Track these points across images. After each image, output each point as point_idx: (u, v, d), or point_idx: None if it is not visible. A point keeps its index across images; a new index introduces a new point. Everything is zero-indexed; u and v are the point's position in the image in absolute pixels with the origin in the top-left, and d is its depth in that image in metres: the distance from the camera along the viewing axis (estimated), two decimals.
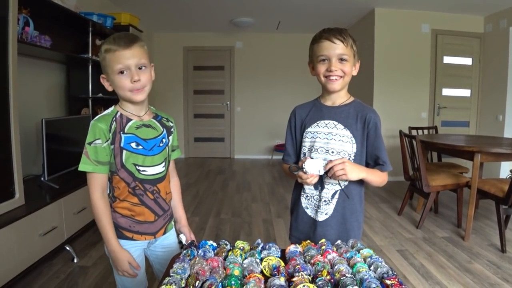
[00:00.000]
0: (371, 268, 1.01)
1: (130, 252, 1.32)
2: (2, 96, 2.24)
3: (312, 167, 1.26)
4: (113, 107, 1.32)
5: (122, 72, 1.21)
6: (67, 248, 2.71)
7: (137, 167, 1.29)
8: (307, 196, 1.44)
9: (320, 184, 1.39)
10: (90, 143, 1.23)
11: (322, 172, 1.27)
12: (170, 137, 1.42)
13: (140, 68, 1.23)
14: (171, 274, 0.95)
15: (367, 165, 1.39)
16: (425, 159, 3.96)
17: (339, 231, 1.39)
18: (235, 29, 6.79)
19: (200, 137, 7.59)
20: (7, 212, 2.24)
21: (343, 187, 1.38)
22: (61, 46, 3.42)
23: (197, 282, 0.91)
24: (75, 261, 2.66)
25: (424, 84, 5.52)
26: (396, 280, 0.90)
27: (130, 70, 1.21)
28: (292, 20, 6.10)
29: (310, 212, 1.44)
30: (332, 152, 1.36)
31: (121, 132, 1.26)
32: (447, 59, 5.54)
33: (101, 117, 1.27)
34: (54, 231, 2.55)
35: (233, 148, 7.58)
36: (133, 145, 1.28)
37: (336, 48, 1.30)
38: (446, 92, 5.60)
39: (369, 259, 1.05)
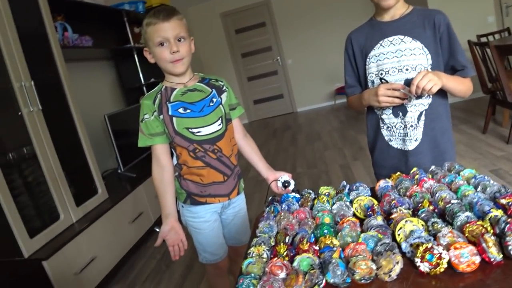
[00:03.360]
0: (478, 189, 0.89)
1: (206, 217, 1.38)
2: (62, 104, 2.35)
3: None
4: (160, 84, 1.35)
5: (162, 44, 1.23)
6: (157, 229, 2.84)
7: (190, 130, 1.29)
8: (388, 127, 1.31)
9: (400, 109, 1.25)
10: (141, 120, 1.29)
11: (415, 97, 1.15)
12: (223, 96, 1.39)
13: (179, 40, 1.24)
14: (258, 234, 0.90)
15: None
16: (504, 66, 3.54)
17: (433, 156, 1.26)
18: None
19: (259, 98, 7.51)
20: (94, 208, 2.38)
21: (427, 106, 1.23)
22: (103, 42, 3.48)
23: (287, 237, 0.86)
24: None
25: None
26: None
27: (169, 42, 1.22)
28: None
29: (395, 143, 1.32)
30: (407, 69, 1.22)
31: (167, 102, 1.29)
32: None
33: (147, 95, 1.34)
34: (142, 216, 2.67)
35: (293, 102, 7.42)
36: (181, 110, 1.29)
37: None
38: None
39: (473, 179, 0.93)
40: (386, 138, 1.33)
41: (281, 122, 6.70)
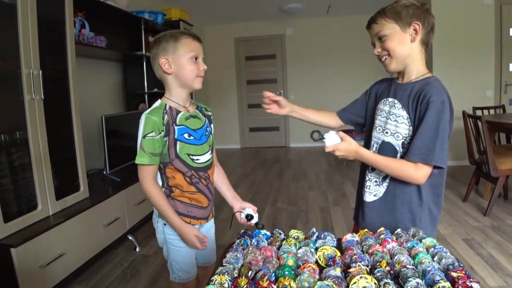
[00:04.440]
0: (435, 259, 0.94)
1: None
2: (64, 96, 2.40)
3: (331, 140, 1.19)
4: (159, 100, 1.37)
5: (195, 58, 1.32)
6: (130, 237, 2.84)
7: (190, 156, 1.36)
8: (369, 171, 1.36)
9: None
10: (144, 136, 1.27)
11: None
12: (212, 126, 1.49)
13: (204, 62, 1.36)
14: (224, 264, 0.94)
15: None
16: (492, 141, 3.67)
17: (387, 219, 1.28)
18: (285, 16, 6.70)
19: (255, 127, 7.61)
20: (73, 204, 2.40)
21: (387, 179, 1.28)
22: (116, 45, 3.57)
23: (250, 272, 0.90)
24: (137, 250, 2.78)
25: (489, 60, 5.09)
26: (463, 272, 0.83)
27: (199, 59, 1.33)
28: (342, 2, 5.89)
29: (364, 190, 1.37)
30: (386, 132, 1.28)
31: (174, 124, 1.32)
32: None
33: (152, 111, 1.32)
34: (117, 221, 2.68)
35: (288, 137, 7.53)
36: (186, 136, 1.34)
37: (372, 31, 1.26)
38: None
39: (432, 249, 0.98)
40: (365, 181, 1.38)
41: (272, 154, 6.79)
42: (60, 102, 2.40)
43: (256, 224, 1.37)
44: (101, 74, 3.64)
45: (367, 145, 1.38)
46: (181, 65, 1.31)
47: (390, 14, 1.20)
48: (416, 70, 1.25)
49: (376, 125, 1.33)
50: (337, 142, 1.18)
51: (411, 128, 1.22)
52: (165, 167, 1.35)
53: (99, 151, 3.39)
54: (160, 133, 1.29)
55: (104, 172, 2.96)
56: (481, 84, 5.14)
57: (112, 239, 2.63)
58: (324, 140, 1.19)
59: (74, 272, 2.24)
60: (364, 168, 1.39)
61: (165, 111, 1.32)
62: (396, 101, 1.26)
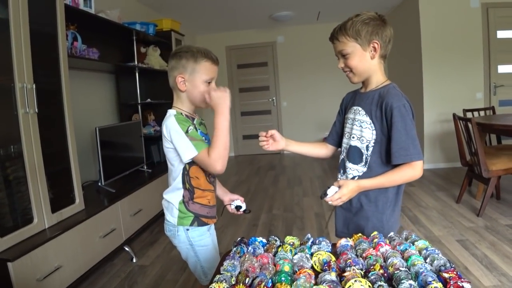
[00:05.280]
0: (427, 260, 0.97)
1: (208, 235, 1.52)
2: (57, 109, 2.40)
3: (332, 192, 1.28)
4: (174, 109, 1.43)
5: (209, 82, 1.40)
6: (126, 248, 2.84)
7: None
8: (341, 175, 1.48)
9: (342, 166, 1.44)
10: (187, 132, 1.33)
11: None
12: None
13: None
14: (222, 272, 0.96)
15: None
16: (483, 142, 3.72)
17: (357, 217, 1.39)
18: (276, 24, 6.77)
19: (249, 134, 7.63)
20: (69, 217, 2.39)
21: (361, 174, 1.37)
22: (108, 57, 3.58)
23: (247, 279, 0.92)
24: (134, 260, 2.78)
25: (477, 63, 5.17)
26: (455, 273, 0.85)
27: (213, 82, 1.42)
28: (332, 8, 5.96)
29: None
30: (353, 137, 1.38)
31: (195, 128, 1.40)
32: (502, 34, 5.15)
33: (177, 115, 1.38)
34: (113, 232, 2.68)
35: None
36: (204, 138, 1.42)
37: (336, 47, 1.35)
38: (503, 69, 5.21)
39: (424, 251, 1.01)
40: None
41: (267, 161, 6.81)
42: (54, 115, 2.41)
43: (244, 211, 1.58)
44: (94, 86, 3.65)
45: (341, 152, 1.50)
46: (195, 86, 1.39)
47: (351, 32, 1.28)
48: (376, 80, 1.36)
49: (345, 132, 1.45)
50: (337, 191, 1.27)
51: (374, 132, 1.32)
52: (190, 167, 1.41)
53: (93, 162, 3.40)
54: (192, 126, 1.37)
55: (99, 184, 2.96)
56: (470, 86, 5.22)
57: (108, 250, 2.62)
58: (327, 194, 1.28)
59: (72, 285, 2.23)
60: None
61: (184, 116, 1.41)
62: (360, 109, 1.37)
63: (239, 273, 0.97)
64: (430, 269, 0.91)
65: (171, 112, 1.41)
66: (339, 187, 1.27)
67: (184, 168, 1.41)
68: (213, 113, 1.36)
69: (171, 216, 1.46)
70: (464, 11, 5.11)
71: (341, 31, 1.30)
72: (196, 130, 1.39)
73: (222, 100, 1.34)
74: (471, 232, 2.93)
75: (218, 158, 1.30)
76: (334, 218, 1.53)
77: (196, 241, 1.48)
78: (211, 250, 1.52)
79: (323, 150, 1.64)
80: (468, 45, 5.14)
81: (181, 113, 1.41)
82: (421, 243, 1.05)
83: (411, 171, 1.26)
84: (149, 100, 4.01)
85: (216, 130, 1.32)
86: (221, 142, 1.31)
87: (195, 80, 1.38)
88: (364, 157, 1.35)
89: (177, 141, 1.33)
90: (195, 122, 1.45)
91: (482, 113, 4.38)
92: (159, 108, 4.26)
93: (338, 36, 1.31)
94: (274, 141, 1.53)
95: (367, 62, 1.31)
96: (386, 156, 1.30)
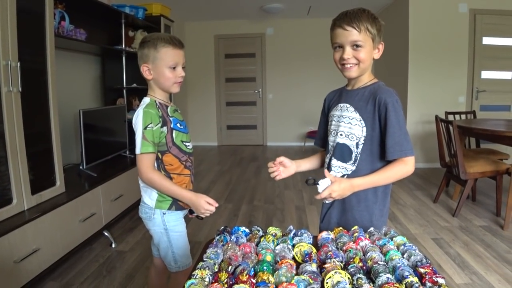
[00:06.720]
0: (405, 256, 1.00)
1: (183, 221, 1.56)
2: (42, 89, 2.36)
3: (324, 185, 1.24)
4: (148, 97, 1.47)
5: (173, 68, 1.41)
6: (105, 233, 2.82)
7: (184, 143, 1.52)
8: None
9: (329, 166, 1.41)
10: (145, 128, 1.37)
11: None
12: None
13: (183, 67, 1.45)
14: (205, 259, 0.97)
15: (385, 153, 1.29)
16: (463, 145, 3.82)
17: (345, 217, 1.38)
18: (266, 16, 6.74)
19: (233, 124, 7.64)
20: (49, 199, 2.36)
21: (350, 173, 1.34)
22: (95, 39, 3.52)
23: (230, 267, 0.93)
24: (113, 246, 2.77)
25: (462, 67, 5.29)
26: (430, 268, 0.89)
27: (178, 67, 1.43)
28: (323, 4, 5.97)
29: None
30: (341, 135, 1.35)
31: (168, 116, 1.46)
32: (487, 40, 5.27)
33: (148, 105, 1.42)
34: (93, 217, 2.66)
35: (265, 136, 7.59)
36: (178, 125, 1.50)
37: (349, 35, 1.23)
38: (486, 75, 5.34)
39: (402, 246, 1.04)
40: None
41: (249, 152, 6.83)
42: (38, 95, 2.36)
43: (197, 216, 1.51)
44: (80, 67, 3.58)
45: (326, 151, 1.48)
46: (160, 73, 1.42)
47: (372, 28, 1.24)
48: (367, 77, 1.35)
49: (331, 130, 1.42)
50: (329, 184, 1.22)
51: (364, 129, 1.30)
52: (163, 155, 1.45)
53: (75, 145, 3.35)
54: (157, 124, 1.40)
55: (81, 167, 2.92)
56: (454, 90, 5.33)
57: (88, 235, 2.61)
58: (318, 186, 1.24)
59: (49, 268, 2.21)
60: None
61: (157, 105, 1.44)
62: (348, 105, 1.35)
63: (222, 261, 0.98)
64: (407, 264, 0.94)
65: (145, 101, 1.45)
66: (331, 181, 1.24)
67: (157, 157, 1.44)
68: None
69: (149, 199, 1.49)
70: (452, 16, 5.19)
71: (358, 20, 1.22)
72: (161, 126, 1.41)
73: (196, 207, 1.42)
74: (446, 231, 3.02)
75: (150, 178, 1.39)
76: (321, 213, 1.53)
77: (171, 225, 1.51)
78: (184, 237, 1.56)
79: (323, 155, 1.60)
80: (454, 49, 5.24)
81: (155, 101, 1.45)
82: (399, 239, 1.09)
83: (404, 167, 1.25)
84: (135, 85, 3.96)
85: (171, 185, 1.42)
86: (160, 186, 1.41)
87: (158, 67, 1.41)
88: (353, 155, 1.33)
89: (136, 133, 1.39)
90: (168, 109, 1.48)
91: (463, 116, 4.48)
92: (145, 94, 4.15)
93: (360, 24, 1.22)
94: (285, 168, 1.49)
95: (371, 60, 1.30)
96: (379, 152, 1.29)
